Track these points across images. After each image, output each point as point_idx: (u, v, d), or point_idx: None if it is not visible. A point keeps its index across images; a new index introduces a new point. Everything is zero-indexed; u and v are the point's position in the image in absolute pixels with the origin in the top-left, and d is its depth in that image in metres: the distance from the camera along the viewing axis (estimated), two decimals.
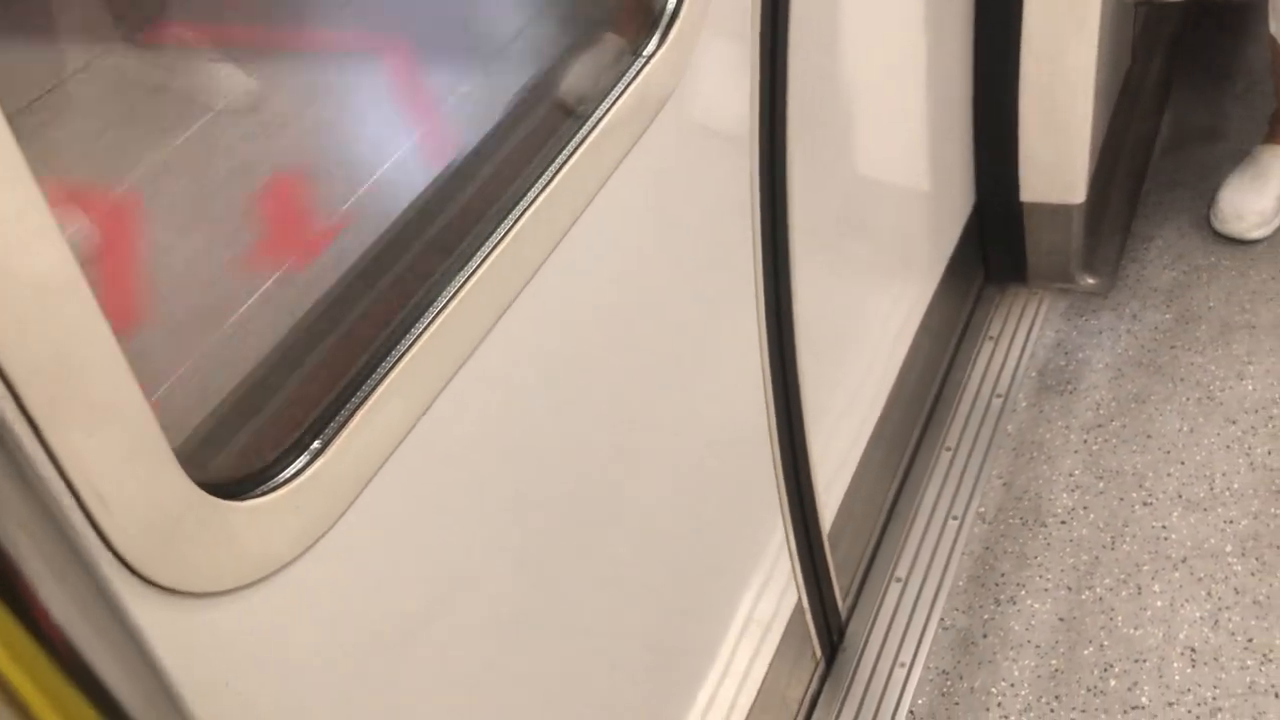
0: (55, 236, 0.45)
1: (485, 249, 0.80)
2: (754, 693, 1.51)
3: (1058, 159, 1.99)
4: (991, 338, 2.11)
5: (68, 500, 0.49)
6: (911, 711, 1.62)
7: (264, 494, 0.61)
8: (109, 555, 0.52)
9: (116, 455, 0.51)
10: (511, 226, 0.82)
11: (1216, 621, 1.63)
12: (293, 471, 0.64)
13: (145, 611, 0.55)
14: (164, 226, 1.07)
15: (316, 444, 0.66)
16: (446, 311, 0.76)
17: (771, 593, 1.56)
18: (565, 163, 0.87)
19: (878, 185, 1.77)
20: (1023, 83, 1.93)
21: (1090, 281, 2.14)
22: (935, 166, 1.94)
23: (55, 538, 0.47)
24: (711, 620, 1.45)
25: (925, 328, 1.96)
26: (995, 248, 2.15)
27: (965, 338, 2.12)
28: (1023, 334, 2.10)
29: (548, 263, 0.86)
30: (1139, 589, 1.69)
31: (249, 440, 0.64)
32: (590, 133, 0.88)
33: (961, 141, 2.01)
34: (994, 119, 1.98)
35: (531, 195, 0.84)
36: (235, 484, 0.60)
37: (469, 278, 0.78)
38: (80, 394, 0.48)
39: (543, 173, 0.85)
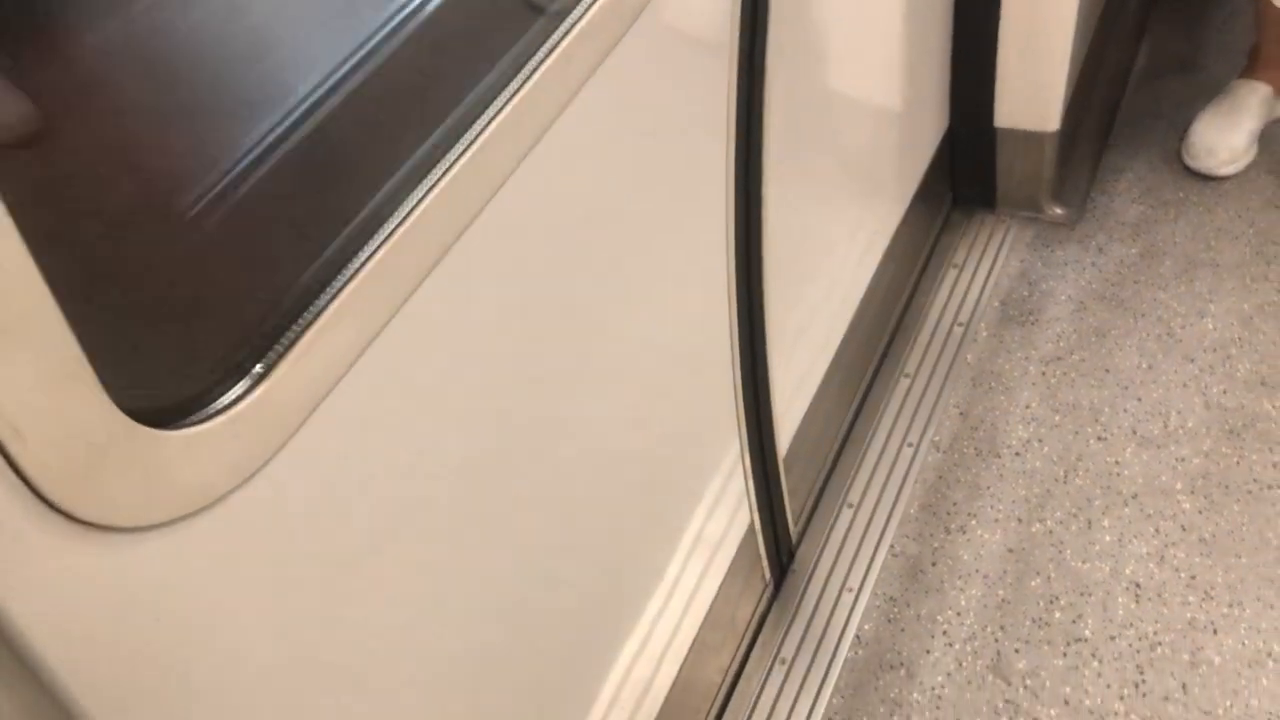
0: None
1: (447, 161, 0.75)
2: (702, 611, 1.51)
3: (1035, 85, 1.94)
4: (956, 265, 2.09)
5: None
6: (858, 636, 1.63)
7: (200, 422, 0.57)
8: (25, 491, 0.47)
9: (32, 382, 0.46)
10: (476, 137, 0.76)
11: (1162, 558, 1.64)
12: (232, 398, 0.59)
13: (66, 548, 0.50)
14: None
15: (258, 368, 0.61)
16: (404, 226, 0.71)
17: (724, 514, 1.54)
18: (535, 70, 0.82)
19: (853, 104, 1.72)
20: (1004, 5, 1.87)
21: (1058, 211, 2.11)
22: (911, 88, 1.89)
23: None
24: (663, 538, 1.44)
25: (891, 252, 1.92)
26: (965, 173, 2.11)
27: (930, 264, 2.09)
28: (988, 263, 2.08)
29: (514, 176, 0.81)
30: (1089, 523, 1.70)
31: (184, 364, 0.59)
32: (562, 39, 0.82)
33: (938, 63, 1.96)
34: (973, 41, 1.93)
35: (498, 105, 0.78)
36: (168, 411, 0.56)
37: (429, 191, 0.73)
38: None
39: (510, 81, 0.79)
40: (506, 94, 0.80)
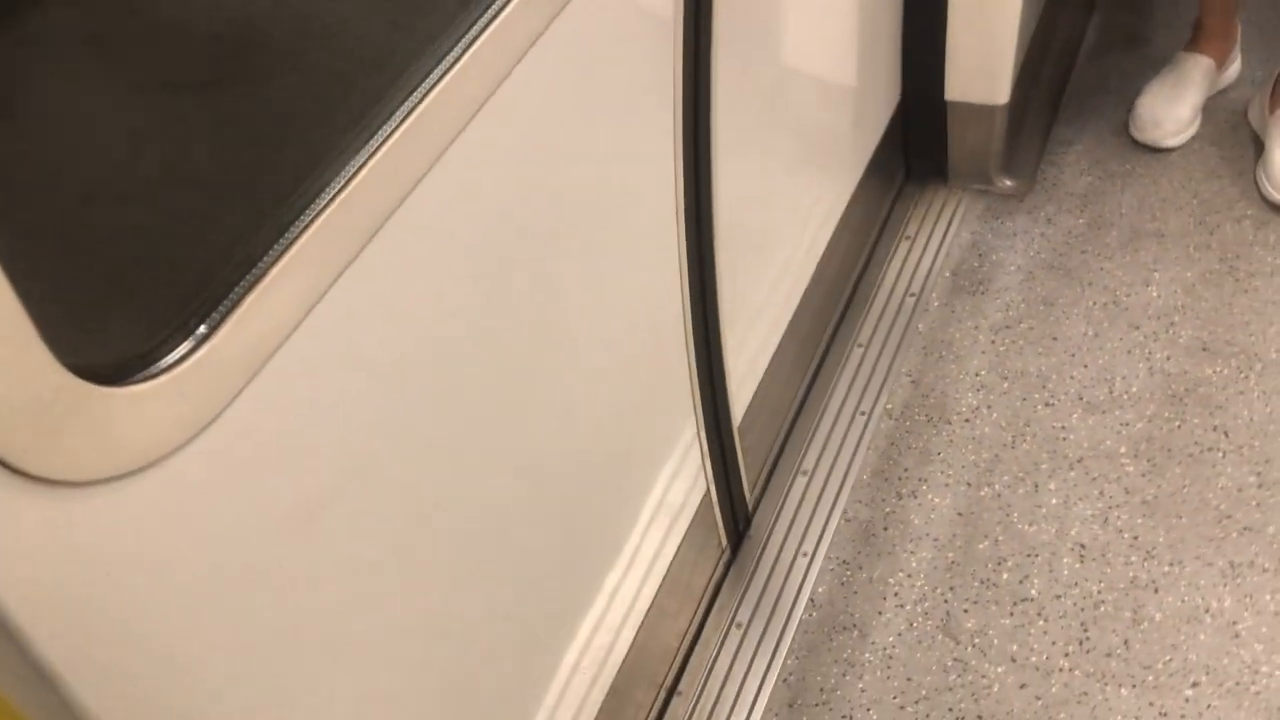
0: None
1: (392, 123, 0.76)
2: (659, 578, 1.53)
3: (984, 58, 1.97)
4: (909, 237, 2.12)
5: None
6: (811, 599, 1.66)
7: (145, 380, 0.58)
8: None
9: None
10: (418, 103, 0.78)
11: (1106, 520, 1.69)
12: (177, 356, 0.61)
13: (16, 502, 0.52)
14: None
15: (203, 328, 0.63)
16: (348, 189, 0.72)
17: (680, 482, 1.57)
18: (477, 38, 0.83)
19: (804, 77, 1.74)
20: None
21: (1008, 183, 2.15)
22: (862, 60, 1.91)
23: None
24: (620, 508, 1.46)
25: (845, 224, 1.95)
26: (918, 146, 2.14)
27: (883, 235, 2.12)
28: (939, 234, 2.11)
29: (456, 142, 0.83)
30: (1035, 487, 1.74)
31: (129, 321, 0.61)
32: (504, 8, 0.84)
33: (890, 36, 1.98)
34: (923, 15, 1.95)
35: (442, 68, 0.80)
36: (114, 369, 0.57)
37: (373, 154, 0.74)
38: None
39: (452, 48, 0.81)
40: (451, 58, 0.81)
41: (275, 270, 0.66)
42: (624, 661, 1.46)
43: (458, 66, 0.79)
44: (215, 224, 0.71)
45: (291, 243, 0.67)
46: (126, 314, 0.61)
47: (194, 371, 0.61)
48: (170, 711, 0.65)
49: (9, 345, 0.49)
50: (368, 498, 0.84)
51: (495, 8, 0.84)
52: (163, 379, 0.59)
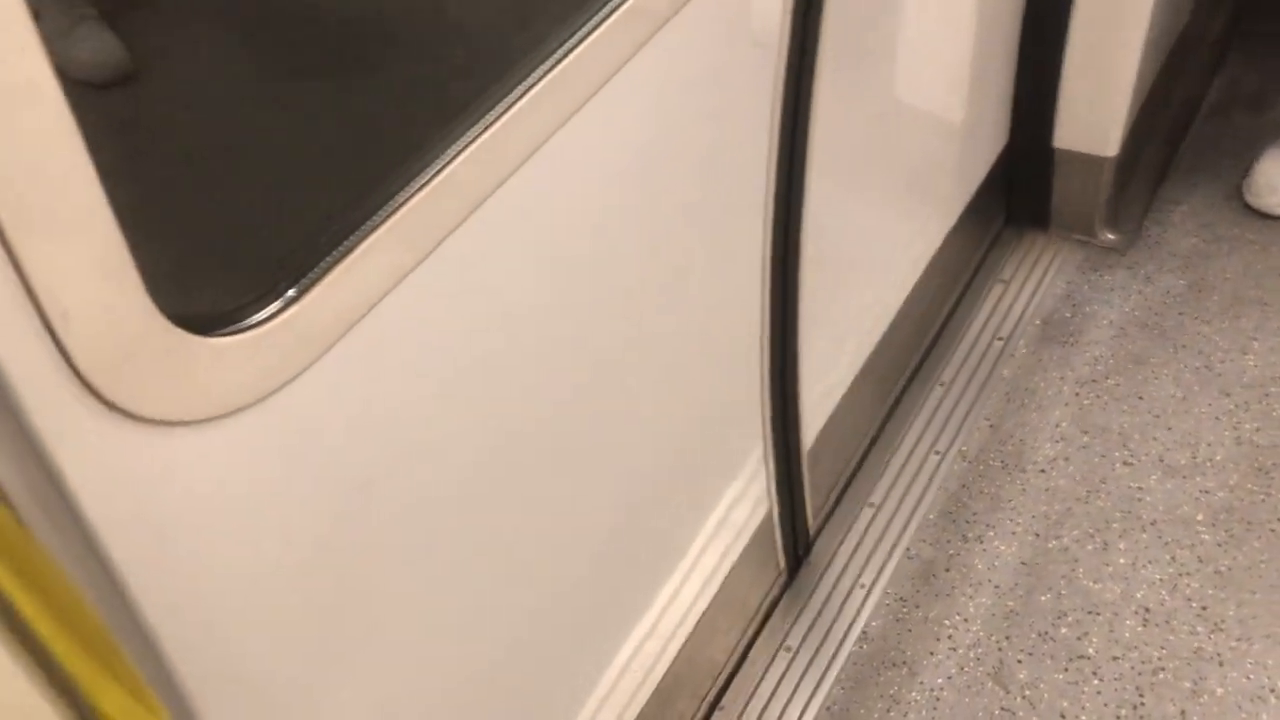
0: (34, 45, 0.45)
1: (490, 116, 0.79)
2: (714, 593, 1.54)
3: (1097, 108, 1.95)
4: (1003, 280, 2.10)
5: (29, 311, 0.50)
6: (864, 631, 1.66)
7: (232, 333, 0.62)
8: (67, 370, 0.53)
9: (82, 271, 0.51)
10: (519, 98, 0.81)
11: (1175, 586, 1.65)
12: (264, 315, 0.64)
13: (99, 429, 0.56)
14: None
15: (291, 291, 0.67)
16: (443, 174, 0.75)
17: (745, 501, 1.58)
18: (580, 42, 0.86)
19: (910, 111, 1.74)
20: (1072, 25, 1.88)
21: (1110, 237, 2.12)
22: (971, 101, 1.91)
23: (12, 349, 0.48)
24: (683, 518, 1.48)
25: (938, 262, 1.95)
26: (1021, 191, 2.12)
27: (976, 277, 2.11)
28: (1034, 281, 2.09)
29: (553, 139, 0.86)
30: (1105, 544, 1.71)
31: (224, 278, 0.65)
32: (607, 17, 0.87)
33: (1002, 78, 1.98)
34: (1038, 59, 1.94)
35: (542, 69, 0.83)
36: (205, 319, 0.61)
37: (469, 142, 0.78)
38: (50, 205, 0.49)
39: (557, 48, 0.84)
40: (556, 56, 0.84)
41: (363, 247, 0.69)
42: (670, 669, 1.48)
43: (558, 69, 0.82)
44: (316, 199, 0.76)
45: (381, 223, 0.70)
46: (224, 272, 0.65)
47: (278, 331, 0.65)
48: (226, 641, 0.69)
49: (110, 282, 0.53)
50: (429, 479, 0.88)
51: (601, 15, 0.87)
52: (248, 335, 0.63)
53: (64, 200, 0.49)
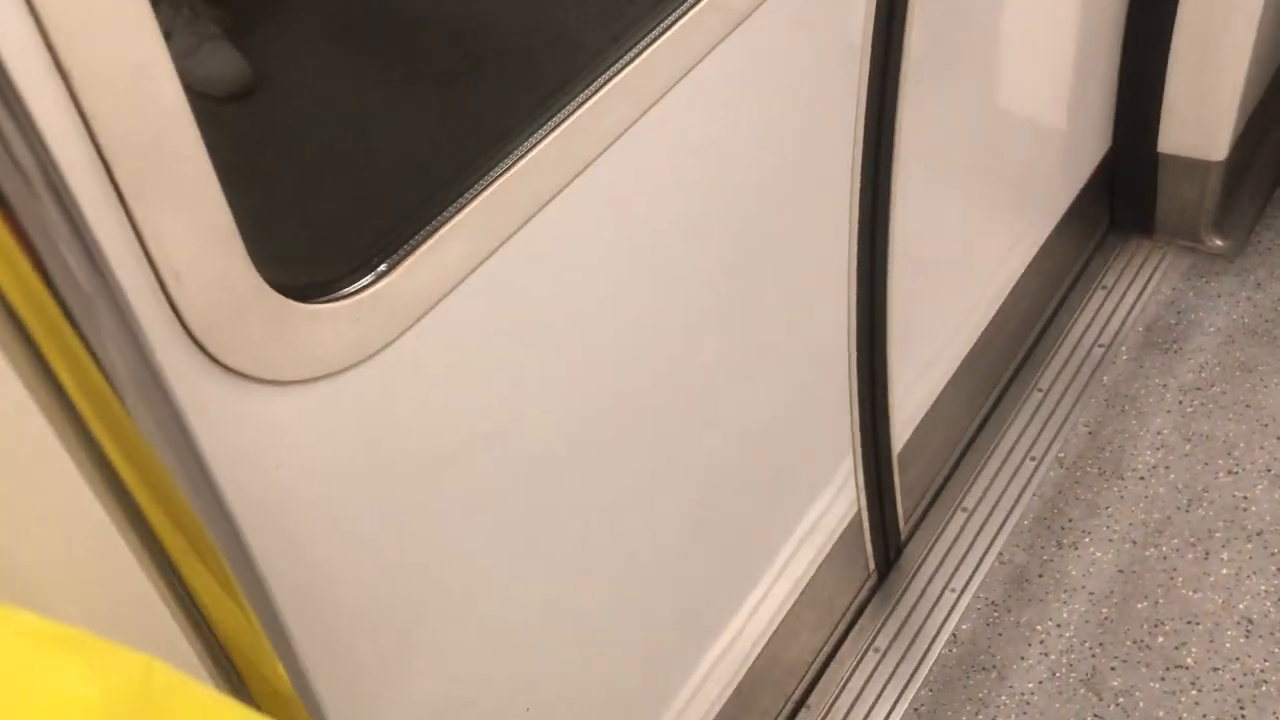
0: (152, 28, 0.51)
1: (572, 105, 0.83)
2: (801, 591, 1.56)
3: (1203, 111, 1.91)
4: (1105, 286, 2.07)
5: (147, 272, 0.56)
6: (954, 634, 1.65)
7: (327, 301, 0.68)
8: (179, 327, 0.59)
9: (193, 237, 0.57)
10: (600, 87, 0.85)
11: None
12: (357, 286, 0.70)
13: (206, 383, 0.62)
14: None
15: (383, 266, 0.72)
16: (525, 160, 0.80)
17: (834, 502, 1.59)
18: (659, 35, 0.89)
19: (1006, 114, 1.74)
20: (1178, 26, 1.85)
21: (1219, 243, 2.07)
22: (1072, 103, 1.89)
23: (130, 309, 0.54)
24: (772, 520, 1.49)
25: (1038, 266, 1.93)
26: (1124, 196, 2.09)
27: (1079, 282, 2.08)
28: (1138, 287, 2.06)
29: (632, 130, 0.89)
30: (1206, 554, 1.67)
31: (323, 250, 0.70)
32: (690, 10, 0.90)
33: (1104, 80, 1.95)
34: (1142, 61, 1.91)
35: (620, 63, 0.87)
36: (305, 288, 0.66)
37: (552, 130, 0.82)
38: (166, 175, 0.54)
39: (639, 40, 0.88)
40: (635, 49, 0.88)
41: (449, 225, 0.74)
42: (755, 666, 1.49)
43: (636, 62, 0.86)
44: (409, 184, 0.81)
45: (465, 206, 0.75)
46: (324, 245, 0.71)
47: (370, 301, 0.70)
48: (314, 590, 0.74)
49: (217, 248, 0.58)
50: (506, 459, 0.91)
51: (679, 12, 0.90)
52: (343, 303, 0.68)
53: (177, 172, 0.55)
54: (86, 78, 0.50)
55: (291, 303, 0.64)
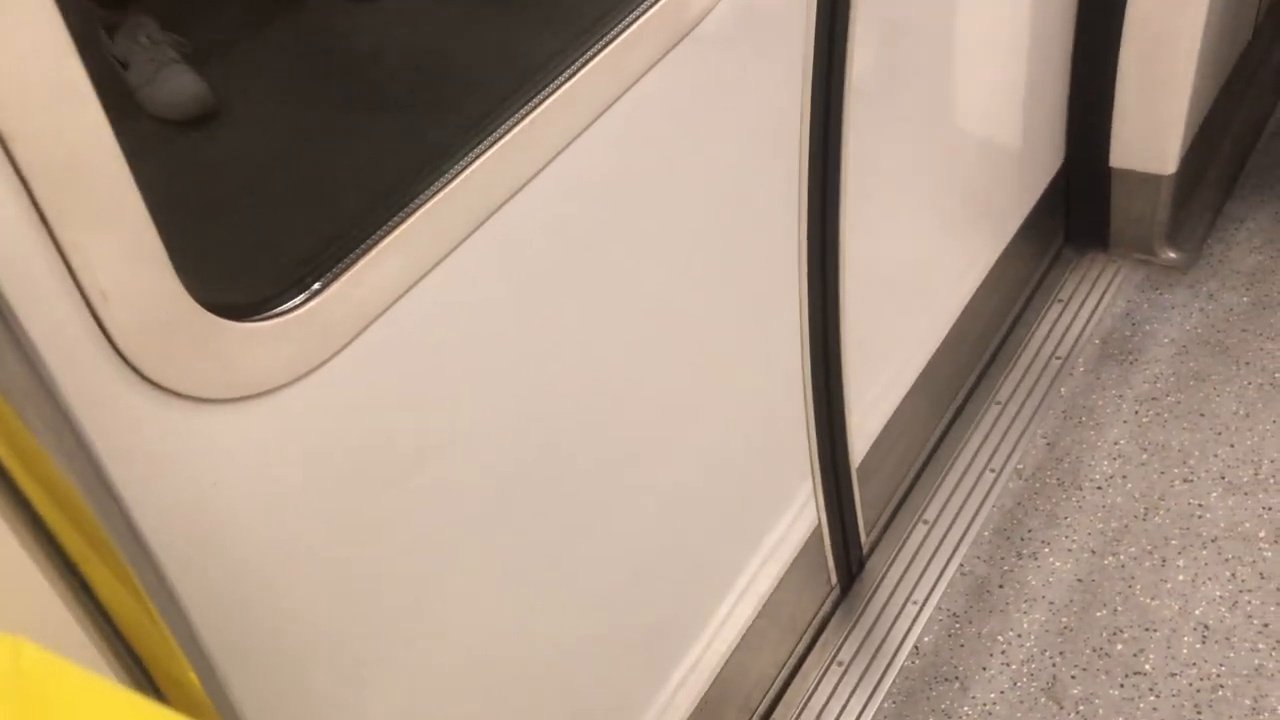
0: (69, 51, 0.52)
1: (511, 120, 0.84)
2: (761, 606, 1.56)
3: (1152, 126, 1.95)
4: (1061, 300, 2.10)
5: (72, 291, 0.56)
6: (916, 646, 1.66)
7: (261, 319, 0.68)
8: (107, 346, 0.59)
9: (119, 256, 0.58)
10: (535, 107, 0.86)
11: (1235, 603, 1.63)
12: (290, 305, 0.70)
13: (137, 401, 0.62)
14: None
15: (317, 284, 0.72)
16: (462, 176, 0.81)
17: (795, 516, 1.60)
18: (599, 52, 0.90)
19: (956, 130, 1.77)
20: (1124, 42, 1.89)
21: (1172, 255, 2.10)
22: (1023, 119, 1.92)
23: (57, 329, 0.54)
24: (732, 536, 1.50)
25: (993, 280, 1.95)
26: (1079, 210, 2.12)
27: (1035, 296, 2.11)
28: (1094, 300, 2.08)
29: (572, 148, 0.90)
30: (1163, 561, 1.69)
31: (258, 270, 0.71)
32: (631, 25, 0.91)
33: (1055, 96, 1.99)
34: (1091, 77, 1.95)
35: (561, 78, 0.88)
36: (236, 306, 0.67)
37: (489, 146, 0.83)
38: (88, 196, 0.55)
39: (576, 59, 0.89)
40: (570, 71, 0.89)
41: (385, 242, 0.75)
42: (718, 680, 1.50)
43: (576, 77, 0.87)
44: (344, 205, 0.82)
45: (399, 224, 0.76)
46: (256, 264, 0.71)
47: (305, 319, 0.71)
48: (247, 616, 0.74)
49: (144, 268, 0.59)
50: (461, 480, 0.91)
51: (620, 27, 0.91)
52: (277, 321, 0.69)
53: (100, 192, 0.56)
54: (3, 98, 0.50)
55: (224, 321, 0.65)
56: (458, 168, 0.81)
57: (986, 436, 1.91)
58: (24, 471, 0.51)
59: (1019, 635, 1.65)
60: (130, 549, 0.60)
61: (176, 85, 1.20)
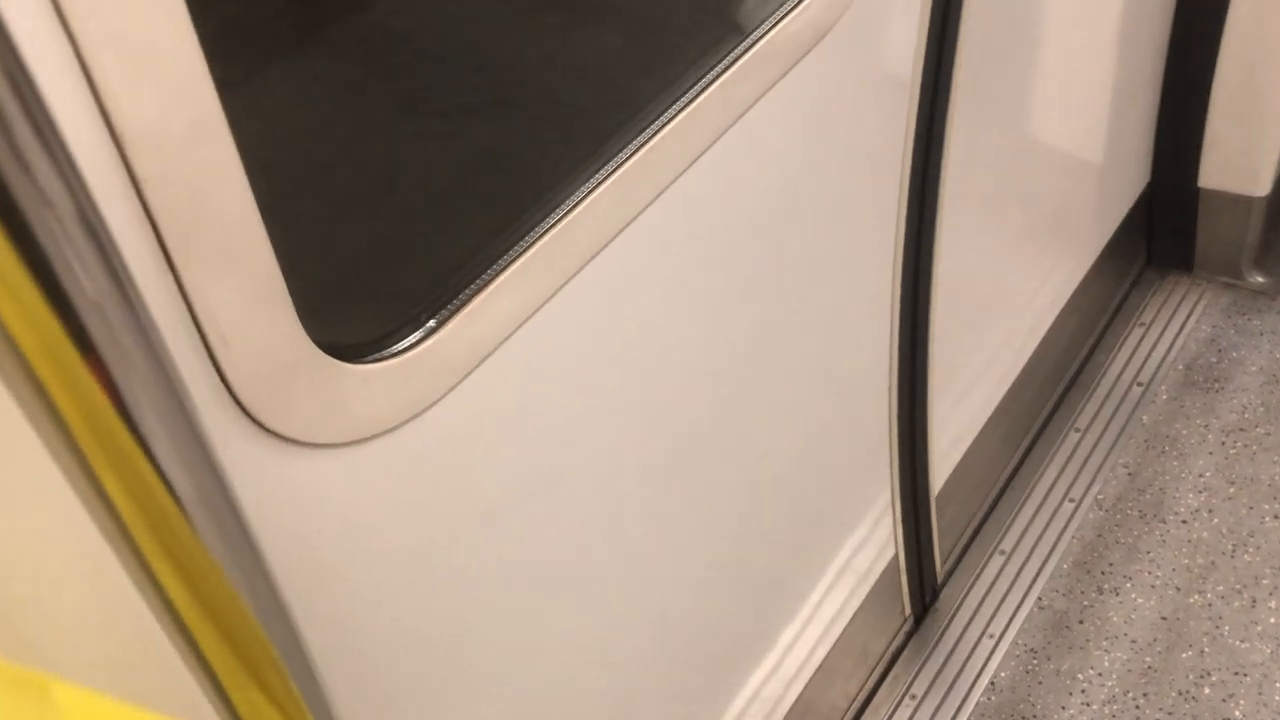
0: (207, 85, 0.48)
1: (620, 156, 0.81)
2: (836, 637, 1.52)
3: (1245, 146, 1.88)
4: (1143, 324, 2.04)
5: (193, 336, 0.53)
6: (992, 682, 1.61)
7: (376, 361, 0.65)
8: (225, 393, 0.56)
9: (241, 301, 0.54)
10: (649, 139, 0.83)
11: None
12: (406, 345, 0.67)
13: (252, 450, 0.59)
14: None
15: (431, 322, 0.69)
16: (575, 212, 0.77)
17: (871, 545, 1.56)
18: (710, 84, 0.87)
19: (1044, 150, 1.71)
20: (1220, 62, 1.82)
21: (1260, 280, 2.03)
22: (1111, 138, 1.86)
23: (177, 373, 0.51)
24: (808, 560, 1.46)
25: (1075, 303, 1.90)
26: (1163, 231, 2.06)
27: (1116, 320, 2.05)
28: (1177, 324, 2.02)
29: (681, 179, 0.87)
30: (1253, 601, 1.63)
31: (371, 308, 0.68)
32: (740, 58, 0.88)
33: (1143, 115, 1.93)
34: (1183, 96, 1.89)
35: (671, 111, 0.85)
36: (352, 347, 0.64)
37: (600, 182, 0.80)
38: (214, 239, 0.52)
39: (685, 92, 0.86)
40: (686, 99, 0.86)
41: (498, 281, 0.71)
42: (789, 714, 1.46)
43: (686, 111, 0.83)
44: (455, 236, 0.78)
45: (515, 259, 0.72)
46: (371, 303, 0.68)
47: (420, 359, 0.67)
48: (361, 652, 0.71)
49: (267, 313, 0.56)
50: (556, 510, 0.89)
51: (734, 55, 0.88)
52: (392, 362, 0.66)
53: (229, 236, 0.52)
54: (138, 139, 0.47)
55: (342, 364, 0.62)
56: (568, 204, 0.78)
57: (1065, 465, 1.85)
58: (161, 540, 0.48)
59: (1099, 674, 1.59)
60: (264, 605, 0.57)
61: None
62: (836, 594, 1.53)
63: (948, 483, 1.67)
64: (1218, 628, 1.61)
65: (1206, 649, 1.59)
